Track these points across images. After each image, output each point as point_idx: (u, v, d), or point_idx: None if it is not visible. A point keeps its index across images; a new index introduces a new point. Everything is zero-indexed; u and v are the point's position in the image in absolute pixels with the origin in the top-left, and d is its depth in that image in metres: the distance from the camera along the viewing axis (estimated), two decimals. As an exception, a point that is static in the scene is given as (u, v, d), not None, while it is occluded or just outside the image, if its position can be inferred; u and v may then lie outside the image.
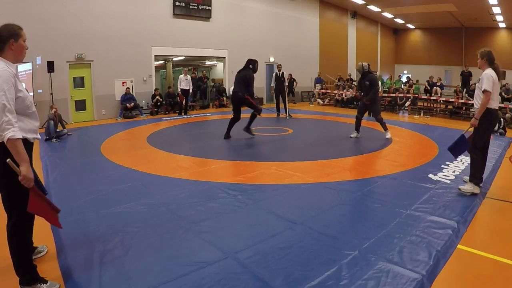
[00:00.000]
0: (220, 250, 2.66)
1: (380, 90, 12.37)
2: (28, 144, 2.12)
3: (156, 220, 3.23)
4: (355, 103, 13.58)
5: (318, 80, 16.34)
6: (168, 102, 11.98)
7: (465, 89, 12.53)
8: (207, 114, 11.80)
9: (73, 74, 10.06)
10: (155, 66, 12.46)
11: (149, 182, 4.39)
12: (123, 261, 2.51)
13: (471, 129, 3.98)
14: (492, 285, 2.31)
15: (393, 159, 5.61)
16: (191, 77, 12.04)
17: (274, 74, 10.73)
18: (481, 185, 4.15)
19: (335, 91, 15.22)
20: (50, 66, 9.08)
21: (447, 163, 5.20)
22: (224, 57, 14.01)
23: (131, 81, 11.30)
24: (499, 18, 17.23)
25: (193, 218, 3.27)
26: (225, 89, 14.06)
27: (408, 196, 3.85)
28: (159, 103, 11.68)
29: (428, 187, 4.17)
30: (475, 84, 4.96)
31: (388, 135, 7.15)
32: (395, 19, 21.13)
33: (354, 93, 13.65)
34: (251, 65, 7.14)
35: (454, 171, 4.85)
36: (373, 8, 18.42)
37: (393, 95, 13.16)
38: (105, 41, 10.38)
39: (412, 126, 9.80)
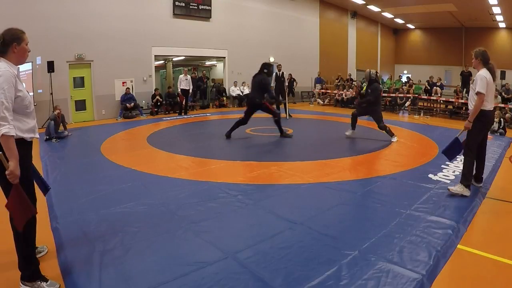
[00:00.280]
0: (220, 250, 2.66)
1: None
2: (26, 143, 2.19)
3: (156, 220, 3.23)
4: (354, 103, 13.57)
5: (318, 80, 16.34)
6: (168, 102, 11.98)
7: (465, 89, 12.52)
8: (207, 114, 11.80)
9: (73, 74, 10.07)
10: (155, 66, 12.47)
11: (149, 182, 4.39)
12: (123, 261, 2.51)
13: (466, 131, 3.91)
14: (492, 285, 2.31)
15: (393, 159, 5.61)
16: (191, 77, 12.04)
17: (274, 74, 10.70)
18: (481, 185, 4.15)
19: (335, 91, 15.22)
20: (50, 66, 9.08)
21: (447, 163, 5.19)
22: (224, 57, 14.00)
23: (131, 81, 11.30)
24: (499, 18, 17.22)
25: (193, 218, 3.27)
26: (225, 89, 14.07)
27: (408, 196, 3.84)
28: (159, 103, 11.68)
29: (428, 187, 4.16)
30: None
31: (395, 139, 6.97)
32: (395, 19, 21.12)
33: (353, 93, 13.64)
34: (265, 69, 7.16)
35: (454, 171, 4.85)
36: (373, 8, 18.42)
37: (393, 95, 13.16)
38: (105, 41, 10.38)
39: (412, 126, 9.80)
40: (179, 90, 11.47)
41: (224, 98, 13.81)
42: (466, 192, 3.84)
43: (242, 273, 2.36)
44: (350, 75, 17.20)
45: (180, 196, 3.85)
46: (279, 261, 2.50)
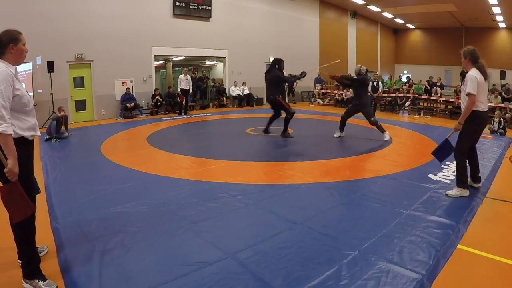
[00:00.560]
0: (220, 250, 2.66)
1: (380, 90, 12.38)
2: (26, 142, 2.21)
3: (156, 220, 3.23)
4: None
5: (318, 80, 16.34)
6: (168, 102, 11.98)
7: (465, 89, 12.50)
8: (207, 114, 11.80)
9: (73, 74, 10.06)
10: (155, 66, 12.46)
11: (149, 182, 4.39)
12: (123, 261, 2.51)
13: (457, 133, 3.84)
14: (492, 285, 2.31)
15: (393, 159, 5.61)
16: (191, 77, 12.04)
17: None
18: (479, 185, 4.12)
19: (335, 91, 15.22)
20: (50, 66, 9.07)
21: (447, 163, 5.18)
22: (224, 57, 14.00)
23: (131, 81, 11.30)
24: (499, 18, 17.22)
25: (193, 218, 3.27)
26: (225, 89, 14.06)
27: (408, 196, 3.84)
28: (159, 103, 11.67)
29: (428, 187, 4.16)
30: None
31: (387, 137, 6.97)
32: (395, 19, 21.13)
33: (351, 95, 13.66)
34: (276, 65, 7.22)
35: (454, 171, 4.83)
36: (373, 8, 18.42)
37: (393, 95, 13.16)
38: (105, 41, 10.38)
39: (412, 126, 9.80)
40: (179, 90, 11.47)
41: (224, 98, 13.81)
42: (465, 193, 3.82)
43: (242, 273, 2.36)
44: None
45: (180, 196, 3.85)
46: (279, 261, 2.50)
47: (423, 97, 13.05)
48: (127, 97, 10.84)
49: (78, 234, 2.96)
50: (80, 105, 10.33)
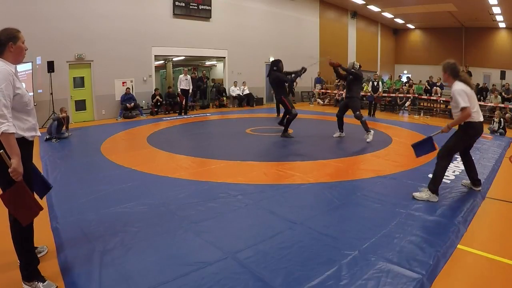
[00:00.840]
0: (220, 250, 2.66)
1: (380, 90, 12.38)
2: (27, 142, 2.19)
3: (156, 220, 3.23)
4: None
5: (318, 80, 16.34)
6: (168, 102, 11.98)
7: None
8: (207, 114, 11.80)
9: (73, 74, 10.06)
10: (155, 66, 12.46)
11: (149, 182, 4.40)
12: (123, 261, 2.51)
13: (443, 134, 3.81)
14: (492, 285, 2.31)
15: (393, 159, 5.61)
16: (191, 77, 12.04)
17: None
18: (480, 188, 4.07)
19: (335, 91, 15.22)
20: (50, 66, 9.07)
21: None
22: (224, 57, 13.99)
23: (131, 81, 11.30)
24: (499, 18, 17.22)
25: (193, 218, 3.27)
26: (225, 89, 14.06)
27: (408, 196, 3.84)
28: (159, 103, 11.67)
29: (428, 187, 4.16)
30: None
31: (370, 138, 6.78)
32: (395, 19, 21.12)
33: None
34: (275, 67, 7.27)
35: (454, 171, 4.85)
36: (373, 8, 18.42)
37: (393, 95, 13.16)
38: (105, 41, 10.38)
39: (412, 126, 9.80)
40: (179, 90, 11.47)
41: (224, 98, 13.81)
42: (434, 198, 3.69)
43: (242, 273, 2.36)
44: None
45: (180, 196, 3.85)
46: (279, 261, 2.51)
47: (423, 97, 13.06)
48: (127, 97, 10.84)
49: (78, 234, 2.96)
50: (80, 105, 10.33)
